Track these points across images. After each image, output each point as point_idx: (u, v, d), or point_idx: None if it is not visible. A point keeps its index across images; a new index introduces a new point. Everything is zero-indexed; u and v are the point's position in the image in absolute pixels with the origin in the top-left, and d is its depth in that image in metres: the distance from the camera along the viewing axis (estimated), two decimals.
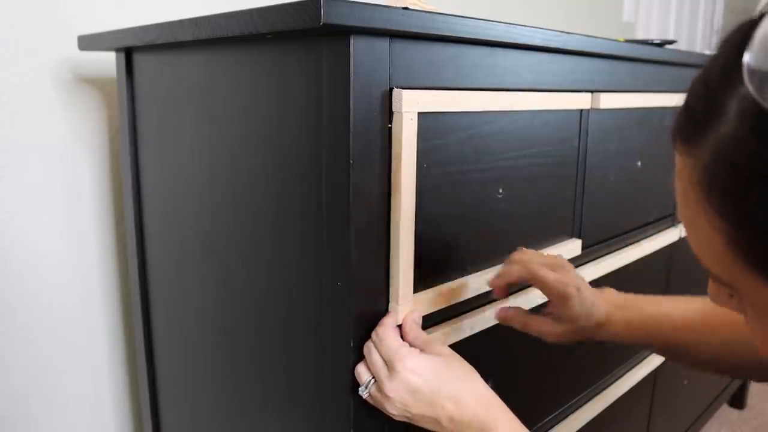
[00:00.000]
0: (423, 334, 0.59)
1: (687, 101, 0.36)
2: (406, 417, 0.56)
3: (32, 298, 0.93)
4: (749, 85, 0.30)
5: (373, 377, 0.57)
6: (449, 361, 0.56)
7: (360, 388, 0.58)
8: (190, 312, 0.82)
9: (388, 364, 0.55)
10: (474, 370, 0.57)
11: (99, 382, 1.04)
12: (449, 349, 0.58)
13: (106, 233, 1.01)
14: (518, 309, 0.68)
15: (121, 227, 1.03)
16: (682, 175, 0.36)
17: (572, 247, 0.83)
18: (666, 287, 1.18)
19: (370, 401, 0.58)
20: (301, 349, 0.64)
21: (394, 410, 0.55)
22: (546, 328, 0.66)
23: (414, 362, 0.55)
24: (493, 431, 0.53)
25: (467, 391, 0.54)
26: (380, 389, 0.55)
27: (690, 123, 0.35)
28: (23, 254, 0.91)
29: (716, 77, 0.33)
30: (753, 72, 0.30)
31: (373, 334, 0.58)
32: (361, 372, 0.58)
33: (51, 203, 0.93)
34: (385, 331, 0.57)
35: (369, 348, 0.57)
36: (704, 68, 0.35)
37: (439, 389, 0.54)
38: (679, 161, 0.36)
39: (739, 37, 0.32)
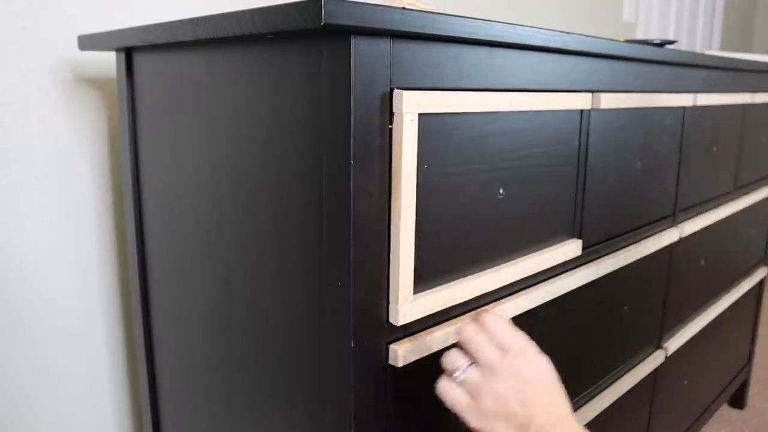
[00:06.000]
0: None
1: None
2: (494, 411, 0.52)
3: (32, 297, 0.93)
4: None
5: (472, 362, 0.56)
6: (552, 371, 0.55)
7: (456, 373, 0.58)
8: (190, 312, 0.82)
9: (508, 345, 0.54)
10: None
11: (99, 382, 1.04)
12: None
13: (106, 233, 1.01)
14: None
15: (121, 227, 1.03)
16: None
17: (572, 247, 0.83)
18: (666, 288, 1.18)
19: (449, 396, 0.56)
20: (301, 349, 0.64)
21: (502, 386, 0.52)
22: None
23: (536, 353, 0.54)
24: None
25: (564, 406, 0.53)
26: (489, 367, 0.54)
27: None
28: (23, 254, 0.91)
29: None
30: None
31: (479, 322, 0.56)
32: (455, 357, 0.58)
33: (51, 203, 0.93)
34: (497, 317, 0.56)
35: (471, 330, 0.57)
36: None
37: (555, 390, 0.52)
38: None
39: None
